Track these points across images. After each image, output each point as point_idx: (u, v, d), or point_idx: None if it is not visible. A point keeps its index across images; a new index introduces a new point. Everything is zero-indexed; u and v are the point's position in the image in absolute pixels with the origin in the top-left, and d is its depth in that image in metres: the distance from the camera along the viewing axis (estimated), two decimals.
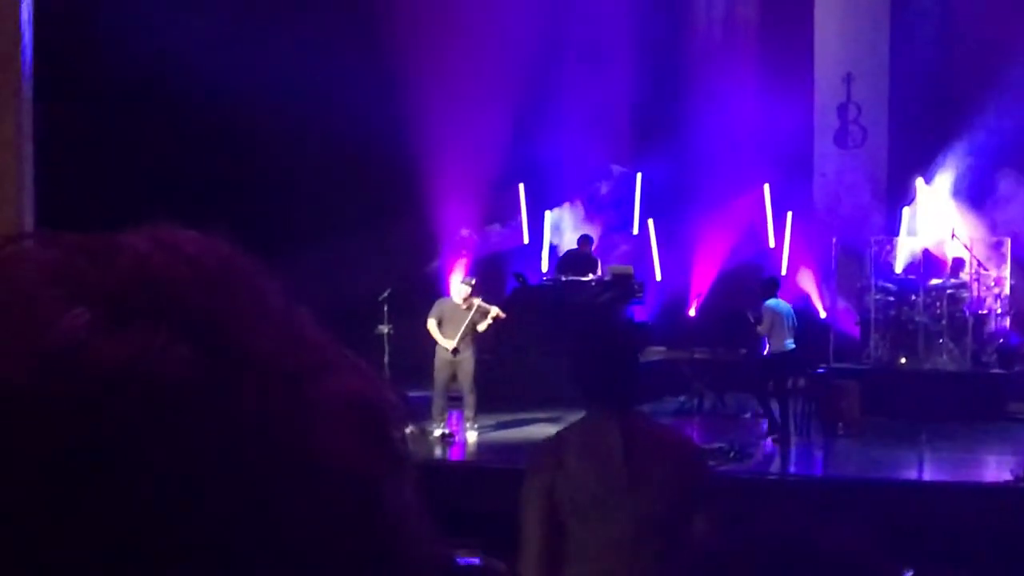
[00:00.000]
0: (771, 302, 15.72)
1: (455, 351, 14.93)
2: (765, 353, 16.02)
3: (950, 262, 18.93)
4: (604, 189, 22.20)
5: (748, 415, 16.66)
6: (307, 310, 0.73)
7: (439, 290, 18.18)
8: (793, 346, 15.65)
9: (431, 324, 15.13)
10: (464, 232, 20.81)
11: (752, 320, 16.04)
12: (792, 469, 14.54)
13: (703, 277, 21.11)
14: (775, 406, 15.35)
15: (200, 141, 18.11)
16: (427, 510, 0.73)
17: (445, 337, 14.98)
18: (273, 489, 0.64)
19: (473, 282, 15.45)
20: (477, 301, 15.15)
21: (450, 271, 19.27)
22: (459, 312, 15.10)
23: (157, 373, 0.64)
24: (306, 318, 0.72)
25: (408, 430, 0.73)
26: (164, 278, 0.67)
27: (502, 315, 15.26)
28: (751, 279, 18.25)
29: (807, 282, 20.73)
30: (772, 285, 16.32)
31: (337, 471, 0.67)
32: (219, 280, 0.69)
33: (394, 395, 0.73)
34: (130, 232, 0.70)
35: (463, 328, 14.98)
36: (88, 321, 0.64)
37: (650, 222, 21.82)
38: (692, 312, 21.05)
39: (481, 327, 15.14)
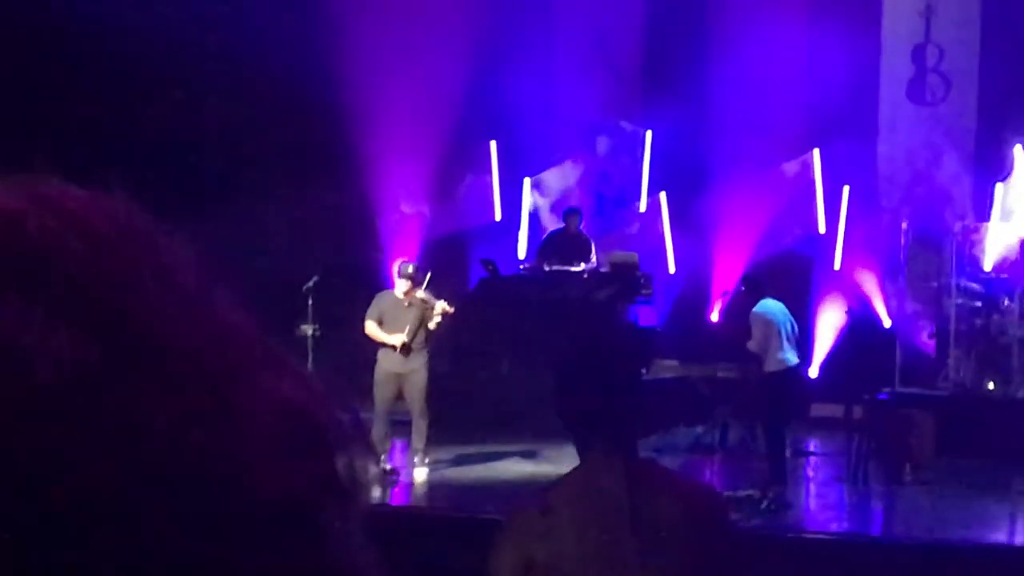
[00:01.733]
0: (761, 307, 15.72)
1: (406, 347, 14.90)
2: (764, 373, 16.06)
3: None
4: (602, 150, 22.20)
5: (788, 453, 16.66)
6: (227, 291, 0.74)
7: (380, 280, 18.13)
8: (796, 361, 15.70)
9: (370, 325, 15.10)
10: (406, 209, 20.84)
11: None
12: (843, 525, 14.54)
13: (729, 270, 21.13)
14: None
15: (82, 75, 18.18)
16: (383, 560, 0.75)
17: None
18: (173, 522, 0.65)
19: (412, 270, 15.29)
20: (419, 293, 15.10)
21: (393, 255, 19.24)
22: (403, 310, 15.07)
23: (28, 365, 0.64)
24: (226, 301, 0.73)
25: (356, 452, 0.74)
26: (42, 245, 0.68)
27: (449, 310, 15.20)
28: (794, 273, 18.21)
29: (867, 280, 20.78)
30: (758, 285, 16.32)
31: (264, 498, 0.67)
32: (114, 249, 0.69)
33: (338, 406, 0.74)
34: None
35: (410, 327, 14.97)
36: None
37: (661, 196, 21.83)
38: (714, 316, 21.06)
39: (432, 324, 15.11)
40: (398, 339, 14.96)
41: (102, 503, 0.64)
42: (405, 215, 20.88)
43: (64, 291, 0.66)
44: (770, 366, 15.54)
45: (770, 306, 15.64)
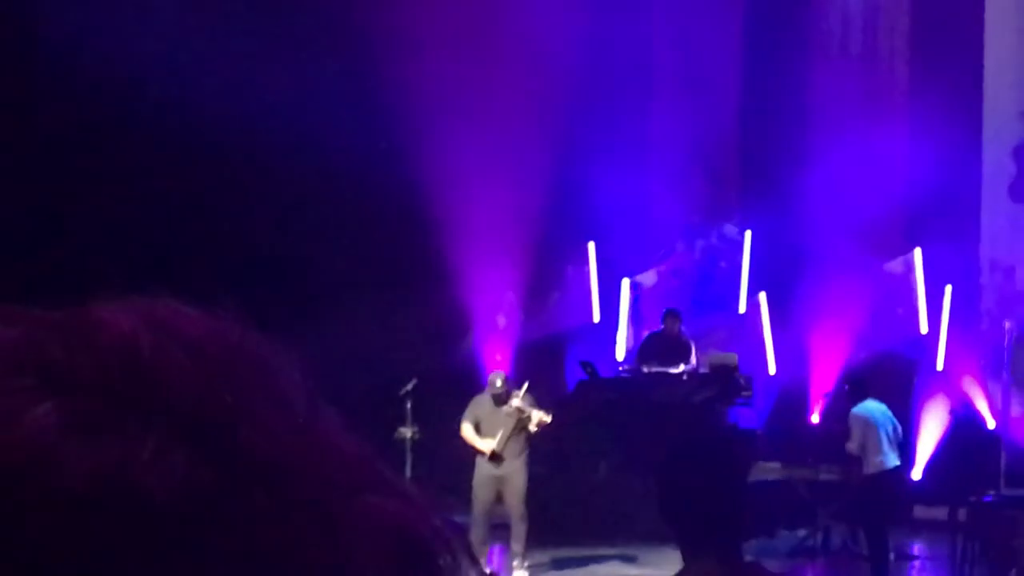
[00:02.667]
0: (861, 408, 15.60)
1: (496, 456, 14.86)
2: (862, 475, 15.90)
3: None
4: (701, 251, 22.17)
5: (892, 556, 16.45)
6: (334, 412, 0.74)
7: (477, 384, 18.17)
8: (897, 463, 15.55)
9: (466, 428, 15.07)
10: (500, 321, 20.86)
11: (838, 432, 16.03)
12: None
13: (830, 372, 20.97)
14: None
15: (172, 186, 18.43)
16: None
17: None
18: None
19: (500, 383, 15.24)
20: (515, 402, 15.04)
21: (490, 359, 19.30)
22: (499, 415, 15.04)
23: (144, 487, 0.64)
24: (333, 421, 0.73)
25: (459, 562, 0.73)
26: (155, 366, 0.68)
27: (546, 420, 15.12)
28: (897, 375, 18.01)
29: (970, 381, 20.54)
30: (862, 385, 16.20)
31: None
32: (225, 371, 0.70)
33: (442, 523, 0.73)
34: (109, 305, 0.71)
35: (504, 433, 14.93)
36: (59, 419, 0.65)
37: (761, 297, 21.73)
38: (815, 418, 20.88)
39: (532, 427, 15.06)
40: (488, 445, 14.91)
41: None
42: (501, 319, 20.89)
43: (177, 414, 0.67)
44: (870, 468, 15.40)
45: (870, 407, 15.53)
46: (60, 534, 0.63)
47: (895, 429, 15.62)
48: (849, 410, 15.76)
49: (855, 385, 16.17)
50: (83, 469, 0.64)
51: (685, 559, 4.33)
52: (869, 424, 15.39)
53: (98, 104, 17.85)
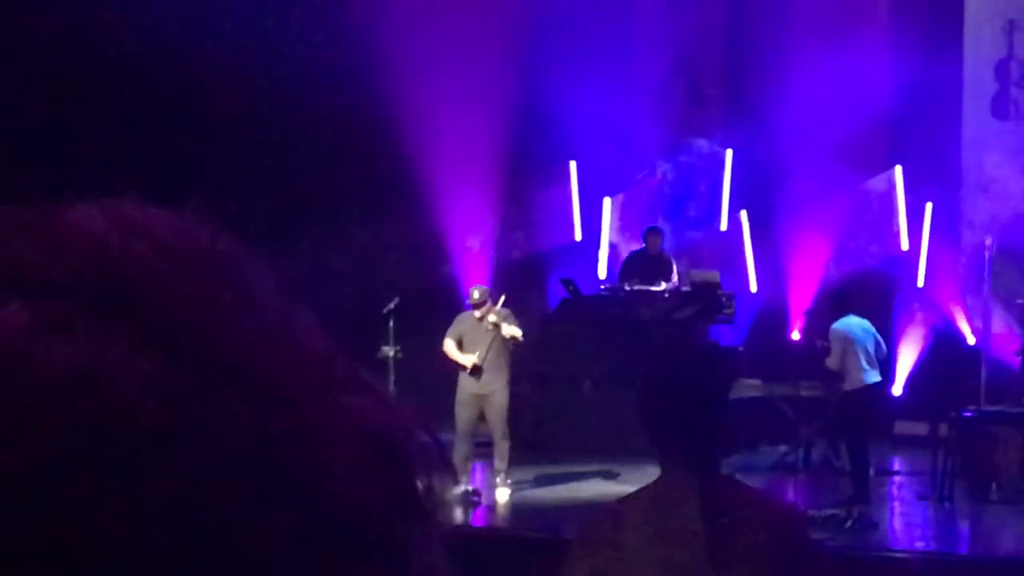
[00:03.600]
0: (841, 323, 15.62)
1: (477, 369, 14.91)
2: (843, 391, 15.95)
3: None
4: (682, 169, 22.16)
5: (872, 471, 16.56)
6: (309, 313, 0.74)
7: (459, 302, 18.19)
8: (878, 379, 15.61)
9: (447, 343, 15.12)
10: (472, 244, 20.87)
11: (818, 347, 16.04)
12: (928, 544, 14.42)
13: (810, 289, 21.02)
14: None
15: (155, 106, 18.40)
16: None
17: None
18: (260, 546, 0.65)
19: (478, 295, 15.22)
20: (491, 316, 15.07)
21: (472, 277, 19.30)
22: (481, 331, 15.08)
23: (114, 388, 0.64)
24: (308, 323, 0.73)
25: (436, 472, 0.73)
26: (125, 266, 0.68)
27: (517, 335, 15.14)
28: (877, 291, 18.04)
29: (951, 297, 20.61)
30: (843, 301, 16.22)
31: (342, 513, 0.67)
32: (196, 272, 0.69)
33: (421, 427, 0.73)
34: (80, 207, 0.71)
35: (488, 349, 14.97)
36: (27, 320, 0.65)
37: (742, 215, 21.76)
38: (796, 335, 20.95)
39: (505, 333, 15.05)
40: (469, 359, 14.97)
41: (185, 515, 0.64)
42: (474, 242, 20.91)
43: (147, 315, 0.67)
44: (851, 384, 15.46)
45: (851, 323, 15.56)
46: (29, 435, 0.63)
47: (877, 345, 15.66)
48: (830, 326, 15.81)
49: (835, 301, 16.20)
50: (52, 370, 0.64)
51: (664, 470, 4.36)
52: (849, 340, 15.42)
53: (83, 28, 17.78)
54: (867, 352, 15.44)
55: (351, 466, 0.68)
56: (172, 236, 0.71)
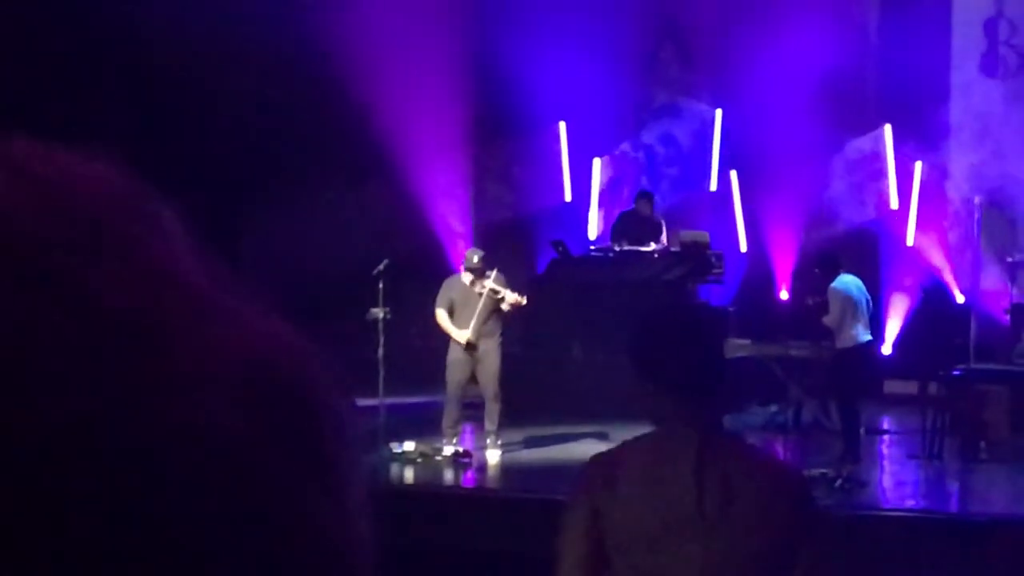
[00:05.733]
0: (839, 282, 15.68)
1: (471, 346, 14.89)
2: (837, 350, 15.99)
3: None
4: (671, 130, 22.13)
5: (862, 430, 16.60)
6: (218, 262, 0.73)
7: (448, 264, 18.19)
8: (869, 337, 15.68)
9: (440, 314, 15.03)
10: (460, 206, 20.87)
11: (810, 305, 16.10)
12: (918, 503, 14.46)
13: (798, 249, 21.03)
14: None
15: (134, 69, 18.33)
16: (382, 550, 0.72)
17: (460, 328, 14.92)
18: (115, 496, 0.64)
19: (477, 260, 15.19)
20: (489, 283, 15.01)
21: (461, 239, 19.29)
22: (473, 297, 15.03)
23: None
24: (208, 265, 0.72)
25: (352, 421, 0.71)
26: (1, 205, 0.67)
27: (522, 301, 15.13)
28: (866, 250, 18.04)
29: (940, 255, 20.62)
30: (834, 261, 16.26)
31: (210, 439, 0.65)
32: (78, 214, 0.68)
33: (326, 366, 0.71)
34: None
35: (479, 315, 14.93)
36: None
37: (732, 175, 21.74)
38: (784, 294, 20.97)
39: (505, 306, 15.05)
40: (463, 335, 14.89)
41: (54, 451, 0.63)
42: (473, 198, 20.90)
43: (18, 256, 0.66)
44: (843, 342, 15.51)
45: (847, 281, 15.63)
46: None
47: (868, 304, 15.73)
48: (822, 285, 15.83)
49: (827, 260, 16.22)
50: None
51: (662, 423, 4.36)
52: (848, 298, 15.49)
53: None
54: (862, 311, 15.52)
55: (230, 399, 0.67)
56: (60, 177, 0.69)
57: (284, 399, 0.69)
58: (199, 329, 0.68)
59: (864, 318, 15.58)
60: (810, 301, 16.20)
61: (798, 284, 20.17)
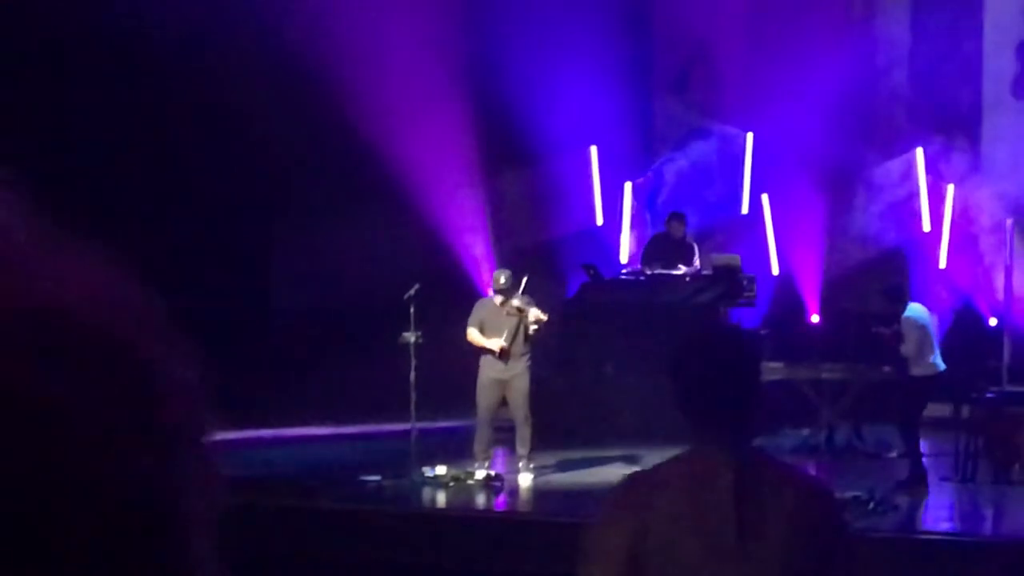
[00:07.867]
0: (912, 312, 15.67)
1: (505, 352, 14.90)
2: (910, 376, 15.95)
3: None
4: (703, 153, 22.13)
5: (894, 454, 16.54)
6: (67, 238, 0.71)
7: (480, 288, 18.21)
8: (944, 366, 15.64)
9: (471, 332, 15.11)
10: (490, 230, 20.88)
11: (880, 334, 16.05)
12: (952, 525, 14.41)
13: (832, 271, 21.00)
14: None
15: (166, 103, 18.41)
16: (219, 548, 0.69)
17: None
18: None
19: (504, 280, 15.23)
20: (514, 301, 15.05)
21: (493, 263, 19.30)
22: (502, 317, 15.08)
23: None
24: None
25: (187, 386, 0.68)
26: None
27: (543, 318, 15.16)
28: (898, 273, 17.98)
29: (972, 278, 20.56)
30: (903, 290, 16.28)
31: (32, 428, 0.64)
32: None
33: (164, 329, 0.68)
34: None
35: (508, 335, 14.98)
36: None
37: (764, 198, 21.71)
38: (815, 317, 20.92)
39: (531, 324, 15.06)
40: (496, 343, 14.96)
41: None
42: (505, 223, 20.92)
43: None
44: (922, 370, 15.52)
45: (919, 310, 15.68)
46: None
47: (936, 332, 15.83)
48: (889, 314, 15.82)
49: (896, 291, 16.22)
50: None
51: (698, 445, 4.36)
52: (923, 328, 15.54)
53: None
54: (935, 339, 15.59)
55: (29, 352, 0.66)
56: None
57: (87, 349, 0.66)
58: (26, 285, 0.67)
59: (937, 346, 15.63)
60: (880, 330, 16.16)
61: (827, 307, 20.15)
